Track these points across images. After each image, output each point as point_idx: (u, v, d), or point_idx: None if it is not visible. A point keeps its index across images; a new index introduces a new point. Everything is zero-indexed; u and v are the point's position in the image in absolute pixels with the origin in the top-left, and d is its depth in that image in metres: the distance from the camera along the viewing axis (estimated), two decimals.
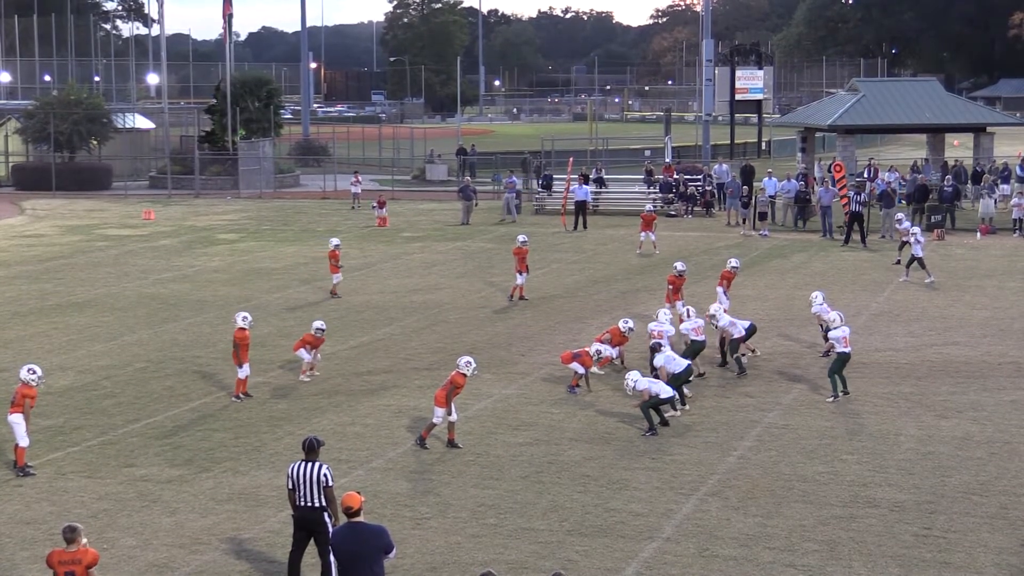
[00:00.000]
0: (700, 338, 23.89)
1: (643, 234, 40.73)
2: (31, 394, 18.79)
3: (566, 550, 15.74)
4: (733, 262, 29.05)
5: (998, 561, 15.35)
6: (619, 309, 31.23)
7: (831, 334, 22.85)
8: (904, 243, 36.44)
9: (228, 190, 62.11)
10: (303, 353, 24.13)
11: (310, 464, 14.27)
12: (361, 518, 12.49)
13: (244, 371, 22.77)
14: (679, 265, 28.69)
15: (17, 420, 18.63)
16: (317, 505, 14.18)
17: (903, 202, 47.75)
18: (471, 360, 20.03)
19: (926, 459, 19.19)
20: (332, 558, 13.84)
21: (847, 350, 22.58)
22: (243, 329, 22.64)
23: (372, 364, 25.52)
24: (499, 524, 16.65)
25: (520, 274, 32.27)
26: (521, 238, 32.73)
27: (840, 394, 22.47)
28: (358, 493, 12.66)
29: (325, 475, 14.20)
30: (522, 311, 31.19)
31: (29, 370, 18.94)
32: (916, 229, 35.60)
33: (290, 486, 14.32)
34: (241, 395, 22.80)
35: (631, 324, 24.74)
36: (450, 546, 15.89)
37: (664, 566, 15.23)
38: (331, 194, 61.33)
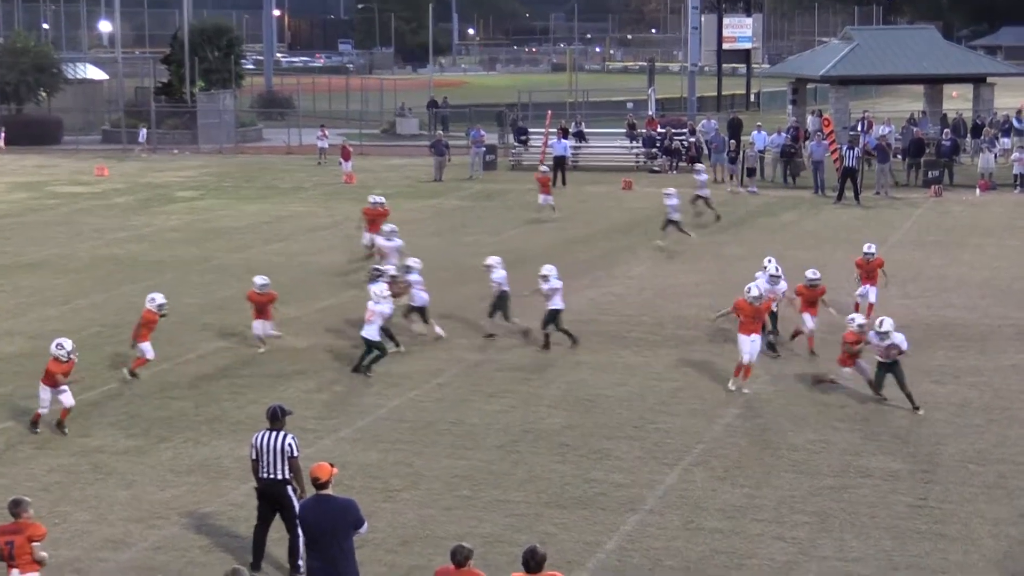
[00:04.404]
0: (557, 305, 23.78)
1: (542, 198, 39.55)
2: (55, 369, 19.11)
3: (544, 523, 15.79)
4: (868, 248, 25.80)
5: (995, 532, 15.47)
6: (600, 269, 31.29)
7: (895, 339, 19.84)
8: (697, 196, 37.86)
9: (187, 144, 61.79)
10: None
11: (274, 433, 14.25)
12: (330, 491, 12.47)
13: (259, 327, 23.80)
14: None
15: (44, 393, 19.32)
16: (280, 477, 14.15)
17: (899, 156, 47.83)
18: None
19: (921, 427, 19.29)
20: (300, 532, 13.87)
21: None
22: (257, 292, 23.82)
23: (339, 328, 25.48)
24: (473, 496, 16.69)
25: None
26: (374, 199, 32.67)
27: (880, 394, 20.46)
28: (330, 464, 12.61)
29: (290, 445, 14.16)
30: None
31: (57, 345, 19.18)
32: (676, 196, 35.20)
33: (253, 456, 14.30)
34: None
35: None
36: (422, 519, 15.92)
37: (647, 539, 15.30)
38: (296, 149, 61.08)
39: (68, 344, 19.23)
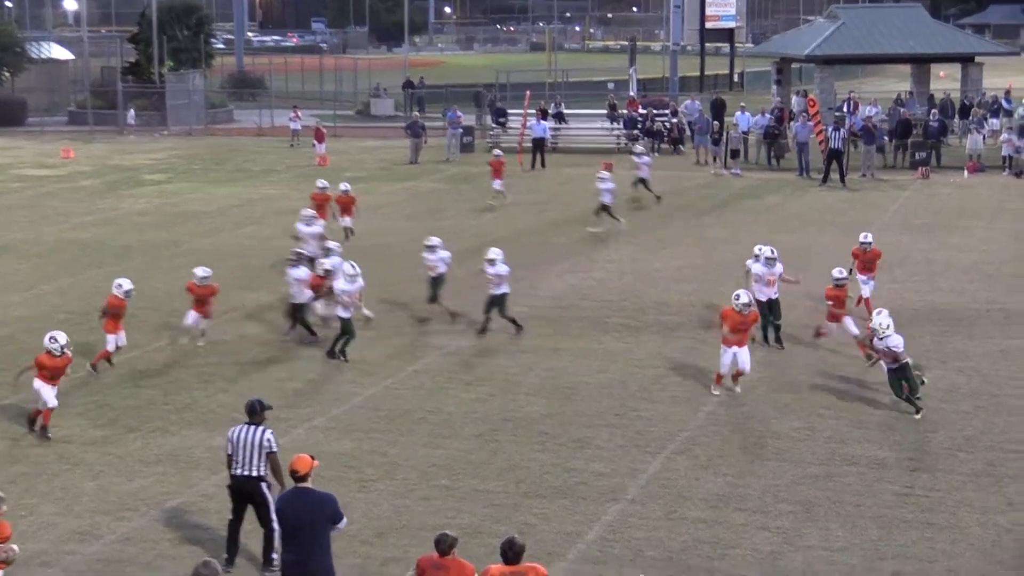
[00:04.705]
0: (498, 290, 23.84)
1: (497, 183, 38.98)
2: (46, 364, 18.42)
3: (523, 513, 15.79)
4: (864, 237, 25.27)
5: (983, 521, 15.53)
6: (580, 254, 31.29)
7: (891, 343, 19.09)
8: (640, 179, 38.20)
9: (155, 126, 61.54)
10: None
11: (252, 428, 14.12)
12: (309, 484, 12.42)
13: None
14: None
15: (39, 386, 18.52)
16: (254, 475, 14.02)
17: (886, 138, 47.90)
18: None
19: (908, 414, 19.32)
20: (276, 525, 13.81)
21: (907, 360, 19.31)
22: (197, 284, 23.04)
23: (313, 315, 25.37)
24: (451, 486, 16.69)
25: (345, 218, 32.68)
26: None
27: (917, 408, 19.26)
28: (311, 457, 12.57)
29: (268, 440, 14.04)
30: (476, 256, 31.06)
31: (51, 339, 18.53)
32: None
33: (229, 451, 14.18)
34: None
35: None
36: (398, 510, 15.91)
37: (628, 529, 15.31)
38: (268, 131, 60.88)
39: (62, 338, 18.62)
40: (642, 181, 38.14)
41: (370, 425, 19.06)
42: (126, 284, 22.03)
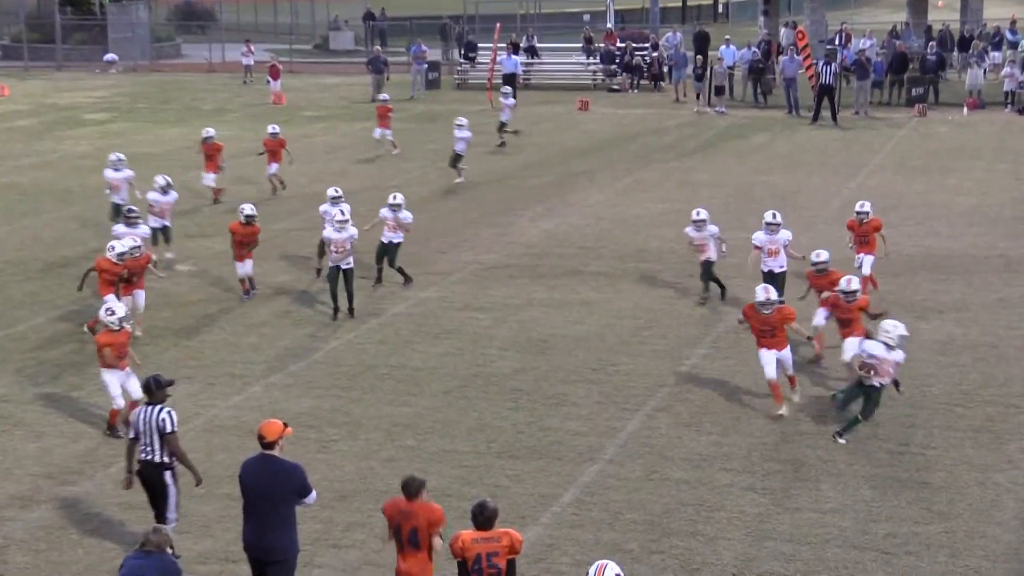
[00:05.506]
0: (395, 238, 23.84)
1: (378, 131, 38.08)
2: (107, 342, 16.92)
3: (495, 474, 15.84)
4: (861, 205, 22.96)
5: (982, 479, 15.64)
6: (555, 198, 31.27)
7: (888, 355, 16.82)
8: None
9: (96, 62, 61.09)
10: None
11: (151, 409, 13.77)
12: (276, 452, 12.25)
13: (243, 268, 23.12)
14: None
15: (108, 378, 17.11)
16: (157, 460, 13.69)
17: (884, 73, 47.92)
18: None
19: (903, 366, 19.39)
20: (173, 516, 13.72)
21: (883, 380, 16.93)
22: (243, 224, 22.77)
23: (268, 265, 25.33)
24: (417, 446, 16.72)
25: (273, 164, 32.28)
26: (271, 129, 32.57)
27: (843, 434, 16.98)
28: (283, 424, 12.40)
29: (163, 420, 13.62)
30: (443, 201, 31.11)
31: (107, 311, 17.16)
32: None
33: (132, 435, 13.83)
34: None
35: None
36: (362, 472, 15.94)
37: (607, 491, 15.38)
38: (218, 66, 60.55)
39: (120, 309, 17.28)
40: (501, 123, 38.09)
41: (331, 382, 19.06)
42: (119, 246, 20.43)
